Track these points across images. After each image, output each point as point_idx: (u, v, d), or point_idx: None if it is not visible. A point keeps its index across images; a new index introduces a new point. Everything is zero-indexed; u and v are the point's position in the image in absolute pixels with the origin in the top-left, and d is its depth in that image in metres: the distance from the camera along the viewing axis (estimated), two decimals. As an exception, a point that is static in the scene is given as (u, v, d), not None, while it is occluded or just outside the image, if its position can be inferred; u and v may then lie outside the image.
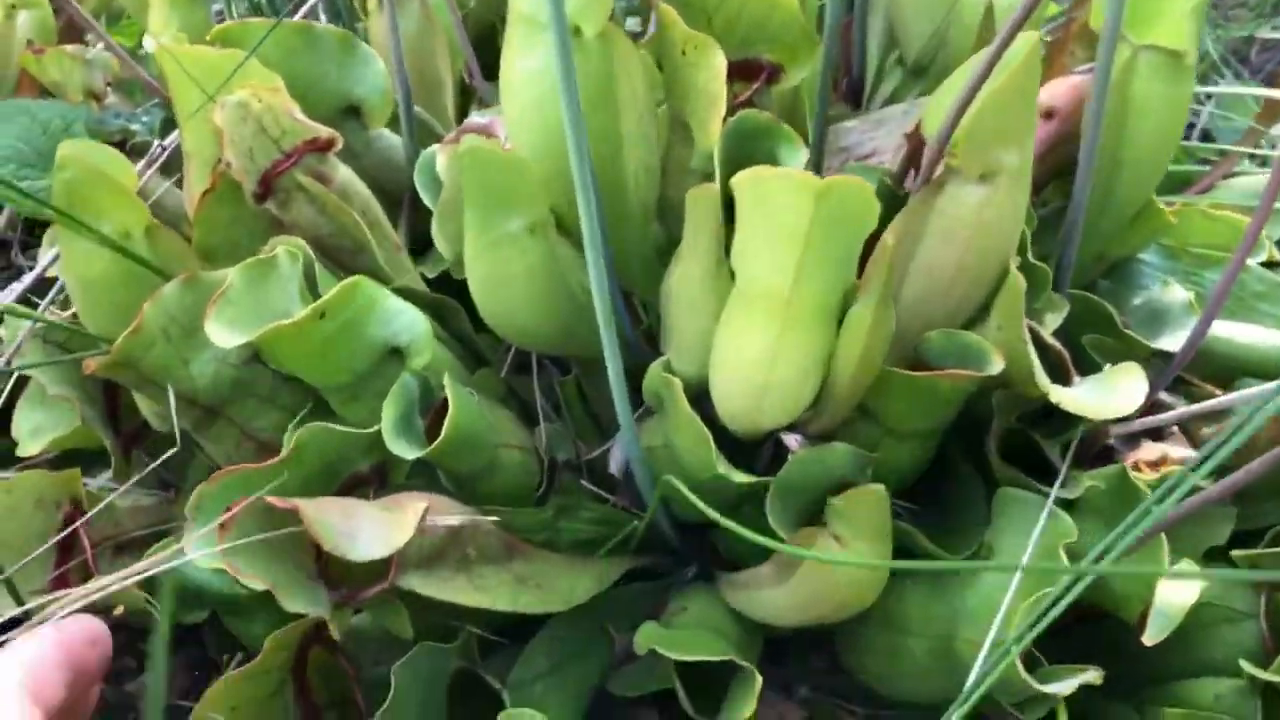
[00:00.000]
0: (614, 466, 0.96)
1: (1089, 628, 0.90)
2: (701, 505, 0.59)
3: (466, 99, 1.26)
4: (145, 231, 0.90)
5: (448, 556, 0.76)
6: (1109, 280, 1.08)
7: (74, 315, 1.01)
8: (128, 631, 1.02)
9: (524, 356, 1.05)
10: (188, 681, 1.01)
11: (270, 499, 0.70)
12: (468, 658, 0.85)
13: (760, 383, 0.78)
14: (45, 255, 1.13)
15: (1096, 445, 0.93)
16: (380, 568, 0.72)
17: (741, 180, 0.73)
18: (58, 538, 0.91)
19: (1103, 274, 1.08)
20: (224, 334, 0.78)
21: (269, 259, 0.83)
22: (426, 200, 0.98)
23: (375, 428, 0.79)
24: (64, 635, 0.65)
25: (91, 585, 0.76)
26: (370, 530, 0.69)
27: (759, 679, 0.80)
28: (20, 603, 0.84)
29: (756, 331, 0.76)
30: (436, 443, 0.78)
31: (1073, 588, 0.66)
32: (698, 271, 0.82)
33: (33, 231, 1.43)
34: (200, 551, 0.71)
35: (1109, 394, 0.81)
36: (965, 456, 0.93)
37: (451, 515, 0.74)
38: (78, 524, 0.91)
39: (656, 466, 0.89)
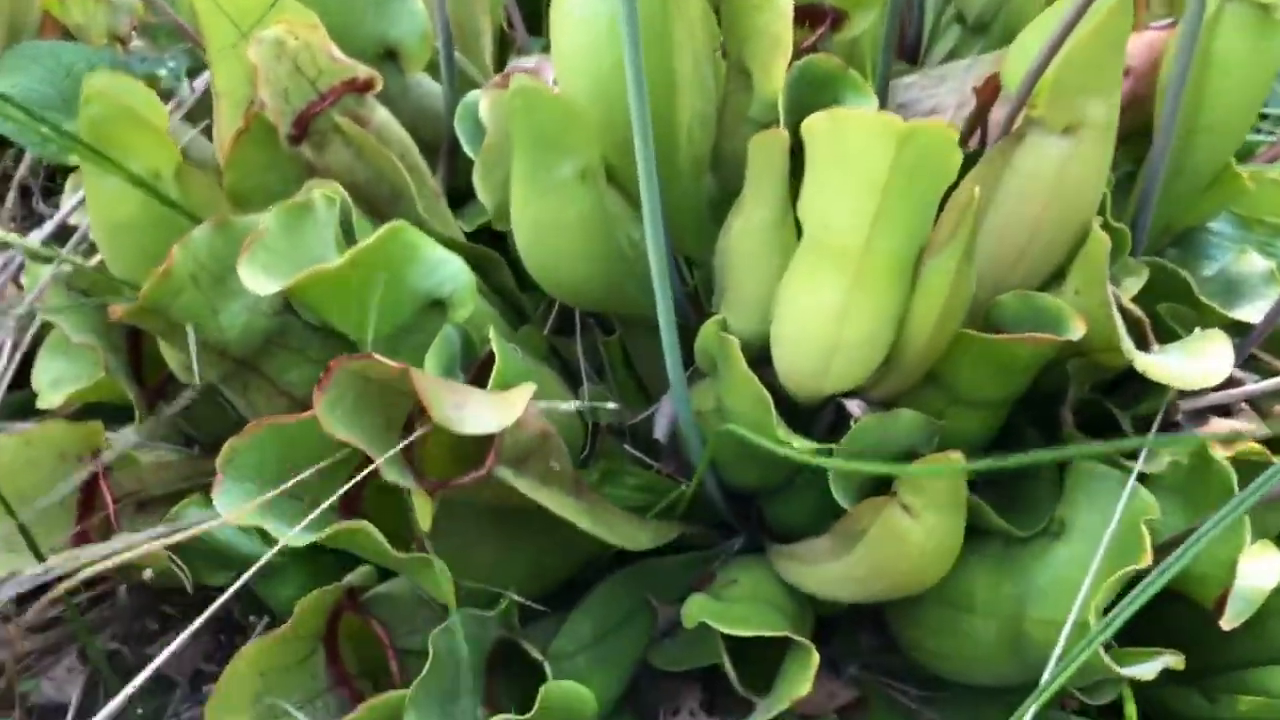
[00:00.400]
0: (659, 431, 0.91)
1: (1155, 608, 0.86)
2: (794, 441, 0.55)
3: (504, 49, 1.21)
4: (175, 173, 0.86)
5: (533, 464, 0.75)
6: (1177, 249, 1.03)
7: (98, 264, 0.97)
8: (150, 593, 0.98)
9: (566, 316, 1.00)
10: (213, 645, 0.97)
11: (379, 358, 0.68)
12: (508, 626, 0.81)
13: (828, 342, 0.73)
14: (68, 201, 1.08)
15: (1164, 421, 0.89)
16: (470, 461, 0.71)
17: (816, 123, 0.68)
18: (74, 484, 0.87)
19: (1170, 243, 1.03)
20: (259, 280, 0.74)
21: (305, 202, 0.79)
22: (468, 148, 0.93)
23: (416, 382, 0.74)
24: None
25: (117, 544, 0.72)
26: (479, 407, 0.67)
27: (815, 655, 0.76)
28: (41, 558, 0.81)
29: (826, 286, 0.72)
30: (481, 399, 0.74)
31: (1167, 570, 0.61)
32: (760, 223, 0.77)
33: (54, 178, 1.39)
34: (229, 513, 0.68)
35: (1196, 360, 0.77)
36: (1033, 426, 0.89)
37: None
38: (100, 476, 0.87)
39: (707, 431, 0.85)
